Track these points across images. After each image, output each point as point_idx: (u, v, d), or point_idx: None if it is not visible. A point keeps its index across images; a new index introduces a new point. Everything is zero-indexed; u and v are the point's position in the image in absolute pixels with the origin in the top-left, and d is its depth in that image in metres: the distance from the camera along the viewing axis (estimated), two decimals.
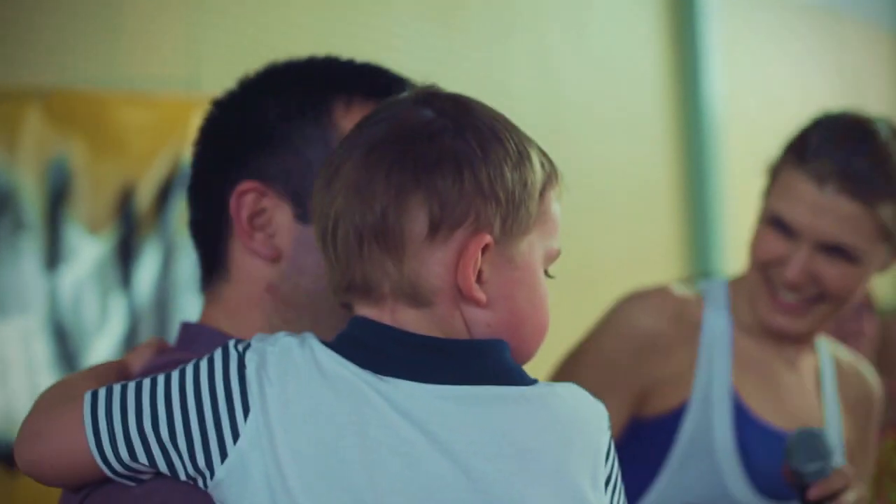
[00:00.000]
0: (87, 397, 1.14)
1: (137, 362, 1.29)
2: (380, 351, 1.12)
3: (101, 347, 3.25)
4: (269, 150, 1.31)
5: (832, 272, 1.82)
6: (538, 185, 1.21)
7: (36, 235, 3.26)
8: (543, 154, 1.25)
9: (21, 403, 3.21)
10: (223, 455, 1.10)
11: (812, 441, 1.66)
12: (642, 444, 1.79)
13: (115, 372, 1.27)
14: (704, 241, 6.53)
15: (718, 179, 6.60)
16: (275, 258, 1.31)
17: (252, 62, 1.44)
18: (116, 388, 1.15)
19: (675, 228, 6.48)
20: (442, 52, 4.92)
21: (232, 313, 1.34)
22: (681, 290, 1.94)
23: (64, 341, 3.29)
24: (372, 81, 1.36)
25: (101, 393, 1.14)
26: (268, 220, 1.31)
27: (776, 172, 1.95)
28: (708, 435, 1.77)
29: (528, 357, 1.19)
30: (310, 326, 1.24)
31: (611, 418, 1.48)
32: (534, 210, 1.19)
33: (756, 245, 1.88)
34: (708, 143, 6.57)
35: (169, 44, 3.70)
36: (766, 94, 7.44)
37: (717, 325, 1.86)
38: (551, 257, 1.22)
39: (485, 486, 1.09)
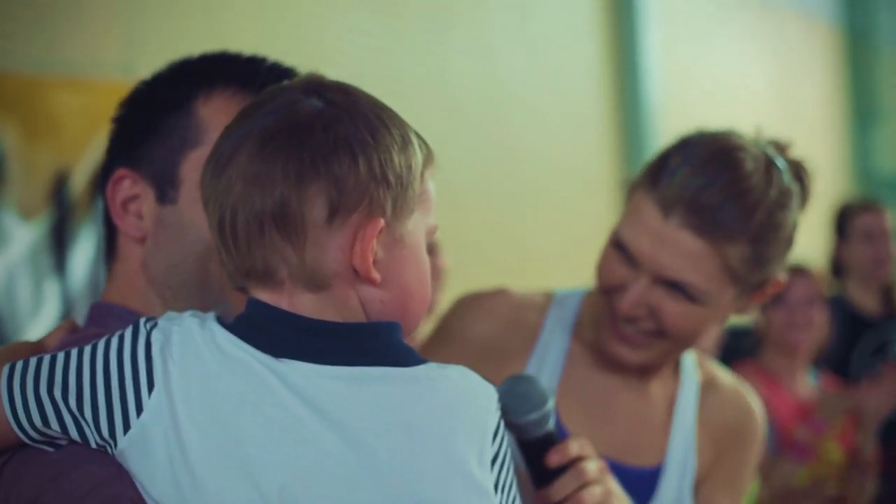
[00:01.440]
0: (5, 370, 1.21)
1: (52, 342, 1.37)
2: (276, 334, 1.17)
3: (35, 332, 3.22)
4: (141, 140, 1.42)
5: (671, 308, 1.62)
6: (419, 167, 1.26)
7: None
8: (419, 136, 1.30)
9: None
10: (126, 426, 1.16)
11: (521, 389, 1.47)
12: None
13: (31, 350, 1.34)
14: None
15: None
16: (142, 238, 1.43)
17: (188, 48, 1.52)
18: (32, 361, 1.22)
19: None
20: (383, 42, 4.91)
21: (122, 291, 1.44)
22: (524, 293, 1.77)
23: None
24: (237, 70, 1.44)
25: (18, 365, 1.21)
26: (139, 204, 1.43)
27: (630, 191, 1.75)
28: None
29: (414, 329, 1.25)
30: (186, 303, 1.36)
31: None
32: (417, 190, 1.24)
33: (600, 267, 1.71)
34: (646, 134, 6.61)
35: (105, 28, 3.67)
36: (704, 84, 7.49)
37: (553, 339, 1.70)
38: (431, 232, 1.27)
39: (374, 462, 1.14)
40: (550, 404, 1.46)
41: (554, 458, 1.45)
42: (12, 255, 3.24)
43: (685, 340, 1.64)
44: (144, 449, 1.15)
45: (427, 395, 1.17)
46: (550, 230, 5.97)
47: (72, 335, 1.38)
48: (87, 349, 1.21)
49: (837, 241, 4.75)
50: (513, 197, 5.66)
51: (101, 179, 1.47)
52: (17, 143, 3.28)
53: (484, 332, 1.69)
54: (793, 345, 4.18)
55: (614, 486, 1.49)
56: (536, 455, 1.47)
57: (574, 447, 1.46)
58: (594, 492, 1.44)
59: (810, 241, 7.37)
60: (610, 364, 1.70)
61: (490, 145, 5.50)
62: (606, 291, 1.69)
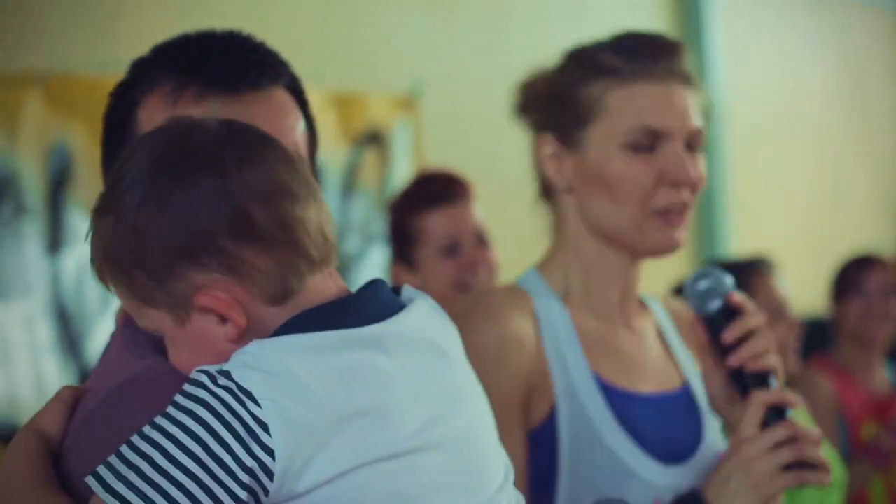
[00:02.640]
0: (95, 481, 1.09)
1: (53, 425, 1.25)
2: (358, 309, 1.19)
3: (104, 330, 3.26)
4: (115, 138, 1.36)
5: (697, 162, 1.73)
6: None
7: (38, 219, 3.27)
8: None
9: (24, 386, 3.23)
10: (268, 474, 1.12)
11: (703, 281, 1.65)
12: (532, 457, 1.64)
13: (40, 447, 1.23)
14: (708, 213, 6.52)
15: (725, 166, 6.61)
16: None
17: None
18: (121, 460, 1.10)
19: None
20: (442, 40, 4.93)
21: None
22: (493, 290, 1.82)
23: (66, 324, 3.31)
24: (176, 61, 1.37)
25: (107, 473, 1.09)
26: None
27: (595, 99, 1.72)
28: (588, 425, 1.63)
29: None
30: None
31: (514, 452, 1.54)
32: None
33: (628, 181, 1.68)
34: (714, 127, 6.57)
35: (166, 29, 3.71)
36: (770, 75, 7.43)
37: (552, 313, 1.69)
38: None
39: (468, 375, 1.26)
40: (727, 279, 1.64)
41: (728, 336, 1.61)
42: (81, 253, 3.28)
43: (697, 197, 1.73)
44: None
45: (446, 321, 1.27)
46: None
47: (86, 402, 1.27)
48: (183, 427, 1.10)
49: None
50: (489, 194, 5.62)
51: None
52: (84, 142, 3.32)
53: (504, 329, 1.66)
54: (869, 338, 4.09)
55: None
56: (721, 324, 1.63)
57: (751, 321, 1.62)
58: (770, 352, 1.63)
59: (881, 232, 7.33)
60: (605, 312, 1.74)
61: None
62: (648, 196, 1.69)
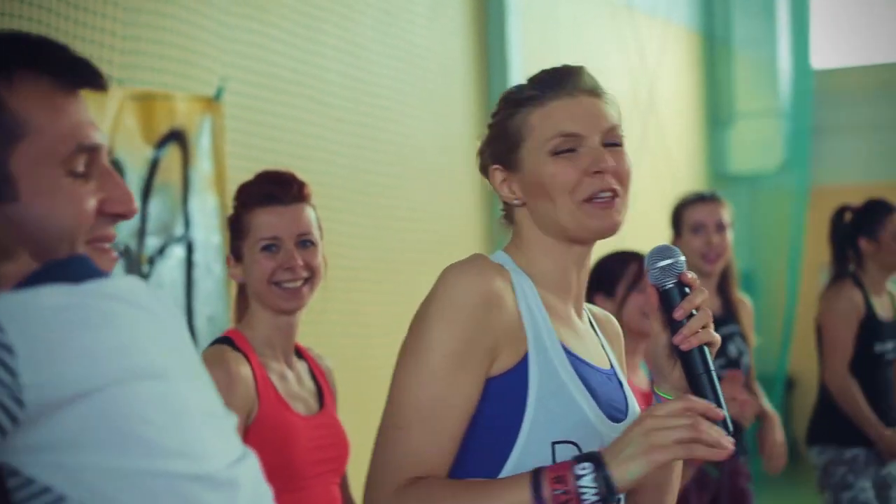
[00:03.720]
0: None
1: None
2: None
3: None
4: None
5: (619, 156, 2.00)
6: None
7: None
8: None
9: None
10: None
11: (660, 251, 1.96)
12: (499, 399, 1.89)
13: None
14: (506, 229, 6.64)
15: None
16: None
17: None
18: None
19: (476, 215, 6.58)
20: (253, 44, 4.93)
21: None
22: (480, 256, 2.02)
23: None
24: (26, 52, 1.40)
25: None
26: None
27: (525, 115, 2.04)
28: (555, 376, 1.91)
29: None
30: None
31: (469, 391, 1.87)
32: None
33: (557, 176, 1.98)
34: None
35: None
36: None
37: (524, 285, 1.96)
38: None
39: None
40: (682, 258, 1.96)
41: (688, 276, 1.93)
42: None
43: (629, 188, 2.01)
44: None
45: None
46: (419, 228, 6.03)
47: None
48: None
49: (674, 236, 4.86)
50: (382, 195, 5.71)
51: None
52: None
53: (487, 284, 1.90)
54: (644, 334, 4.22)
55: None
56: (673, 298, 1.94)
57: (699, 296, 1.94)
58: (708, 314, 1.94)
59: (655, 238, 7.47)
60: (560, 294, 2.02)
61: (359, 145, 5.55)
62: (576, 187, 1.97)
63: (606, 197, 1.97)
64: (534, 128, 2.00)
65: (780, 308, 9.85)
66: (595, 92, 2.03)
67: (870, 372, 5.05)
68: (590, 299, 2.98)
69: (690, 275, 1.95)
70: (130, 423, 1.25)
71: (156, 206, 4.41)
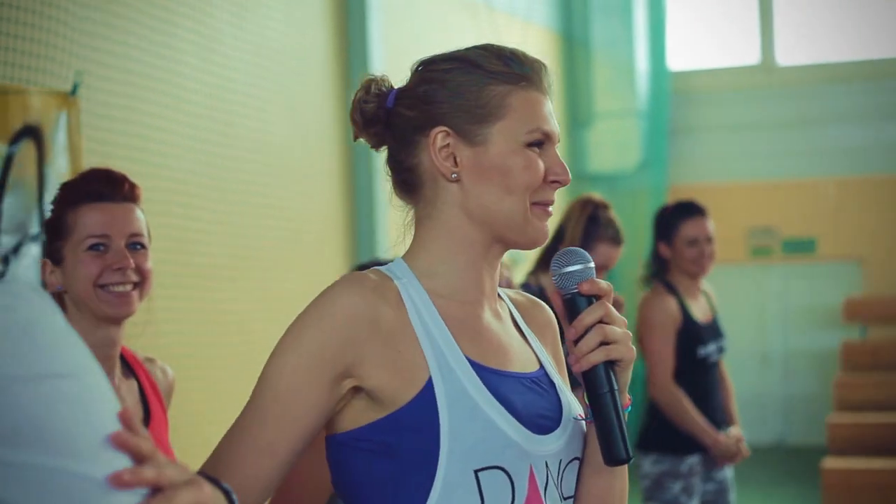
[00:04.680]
0: None
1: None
2: None
3: None
4: None
5: (557, 154, 1.96)
6: None
7: None
8: None
9: None
10: None
11: (567, 254, 1.84)
12: (410, 432, 1.75)
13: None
14: (367, 224, 6.66)
15: (379, 163, 6.74)
16: None
17: None
18: None
19: (336, 212, 6.58)
20: (108, 38, 4.87)
21: None
22: (369, 274, 1.88)
23: None
24: None
25: None
26: None
27: (500, 100, 1.90)
28: (466, 397, 1.76)
29: None
30: None
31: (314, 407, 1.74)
32: None
33: (528, 171, 1.85)
34: None
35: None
36: None
37: (416, 298, 1.83)
38: None
39: None
40: (591, 264, 1.84)
41: (585, 287, 1.81)
42: None
43: None
44: None
45: None
46: (278, 225, 6.01)
47: None
48: None
49: (660, 243, 5.12)
50: (238, 191, 5.67)
51: None
52: None
53: (365, 309, 1.77)
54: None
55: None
56: (575, 305, 1.82)
57: (605, 287, 1.82)
58: (616, 329, 1.80)
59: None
60: (469, 298, 1.89)
61: (215, 140, 5.50)
62: (537, 185, 1.87)
63: (549, 209, 1.88)
64: (513, 109, 1.85)
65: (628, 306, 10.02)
66: (551, 95, 1.93)
67: (696, 377, 5.05)
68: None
69: (603, 284, 1.83)
70: (32, 420, 1.22)
71: (10, 204, 4.34)
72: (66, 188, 2.72)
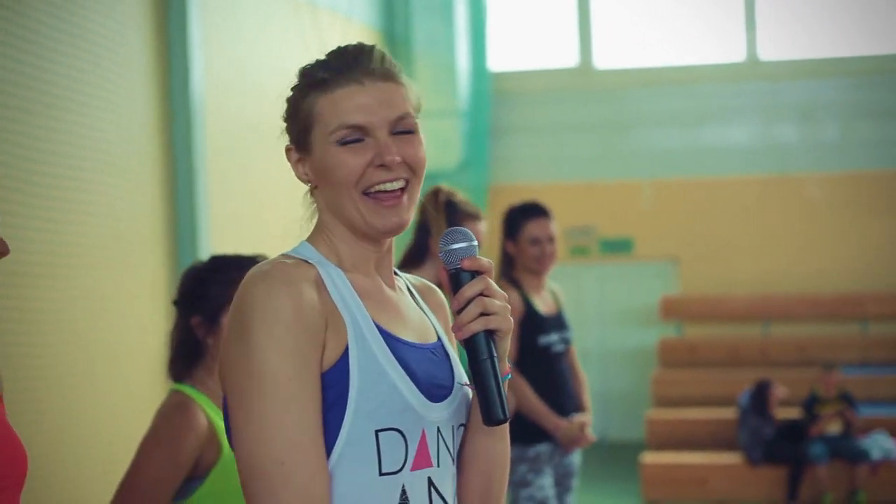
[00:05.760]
0: None
1: None
2: None
3: None
4: None
5: (408, 143, 2.01)
6: None
7: None
8: None
9: None
10: None
11: (452, 233, 1.97)
12: (326, 393, 1.88)
13: None
14: (188, 221, 6.57)
15: (201, 161, 6.66)
16: None
17: None
18: None
19: (158, 210, 6.47)
20: None
21: None
22: (282, 257, 1.99)
23: None
24: None
25: None
26: None
27: (306, 113, 2.03)
28: (375, 364, 1.91)
29: None
30: None
31: (317, 395, 1.86)
32: None
33: (342, 168, 1.98)
34: (192, 128, 6.61)
35: None
36: (249, 79, 7.57)
37: (332, 275, 1.96)
38: None
39: None
40: (475, 242, 1.96)
41: (467, 263, 1.94)
42: None
43: (421, 175, 2.02)
44: None
45: None
46: (97, 222, 5.87)
47: None
48: None
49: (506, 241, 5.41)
50: (57, 189, 5.52)
51: None
52: None
53: (298, 295, 1.88)
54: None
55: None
56: (459, 282, 1.95)
57: (486, 263, 1.95)
58: (495, 301, 1.94)
59: None
60: (372, 273, 2.04)
61: (34, 135, 5.35)
62: (360, 178, 1.97)
63: (393, 189, 1.97)
64: (320, 115, 1.97)
65: None
66: (387, 76, 2.01)
67: (540, 366, 5.21)
68: None
69: (484, 260, 1.96)
70: None
71: None
72: None
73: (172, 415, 3.03)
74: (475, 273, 1.95)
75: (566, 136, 11.89)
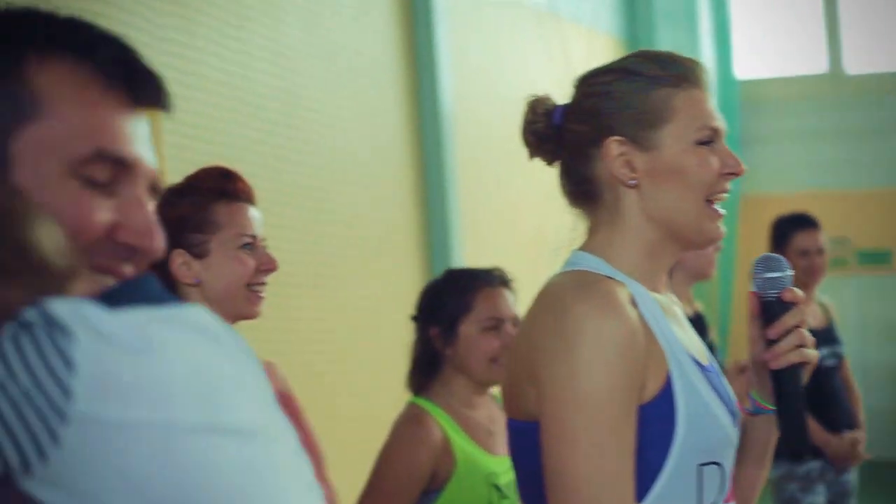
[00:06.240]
0: None
1: None
2: None
3: None
4: None
5: None
6: None
7: None
8: None
9: None
10: None
11: (769, 259, 1.94)
12: (648, 427, 1.79)
13: None
14: (441, 231, 6.58)
15: (452, 171, 6.67)
16: None
17: None
18: None
19: (411, 219, 6.51)
20: (179, 45, 4.80)
21: None
22: (591, 274, 1.89)
23: None
24: (72, 36, 1.23)
25: None
26: None
27: (665, 100, 1.94)
28: (696, 394, 1.83)
29: None
30: None
31: (633, 431, 1.76)
32: None
33: (703, 168, 1.91)
34: (441, 137, 6.63)
35: None
36: (495, 88, 7.56)
37: (640, 293, 1.87)
38: None
39: None
40: (790, 272, 1.94)
41: (788, 295, 1.91)
42: None
43: None
44: None
45: None
46: (346, 233, 5.94)
47: None
48: None
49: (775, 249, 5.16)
50: (309, 200, 5.60)
51: None
52: None
53: (623, 322, 1.79)
54: None
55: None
56: (773, 311, 1.93)
57: (800, 296, 1.92)
58: (808, 334, 1.93)
59: None
60: (660, 288, 1.96)
61: (286, 148, 5.44)
62: (713, 181, 1.91)
63: (720, 210, 1.94)
64: (678, 111, 1.90)
65: (714, 314, 9.86)
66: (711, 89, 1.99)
67: (809, 380, 5.03)
68: None
69: (797, 292, 1.93)
70: (200, 486, 1.02)
71: None
72: (202, 183, 2.64)
73: (406, 429, 3.08)
74: (785, 305, 1.91)
75: (818, 144, 11.54)
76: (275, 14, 5.46)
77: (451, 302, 3.16)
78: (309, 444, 2.75)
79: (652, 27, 10.86)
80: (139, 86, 1.22)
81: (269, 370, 2.88)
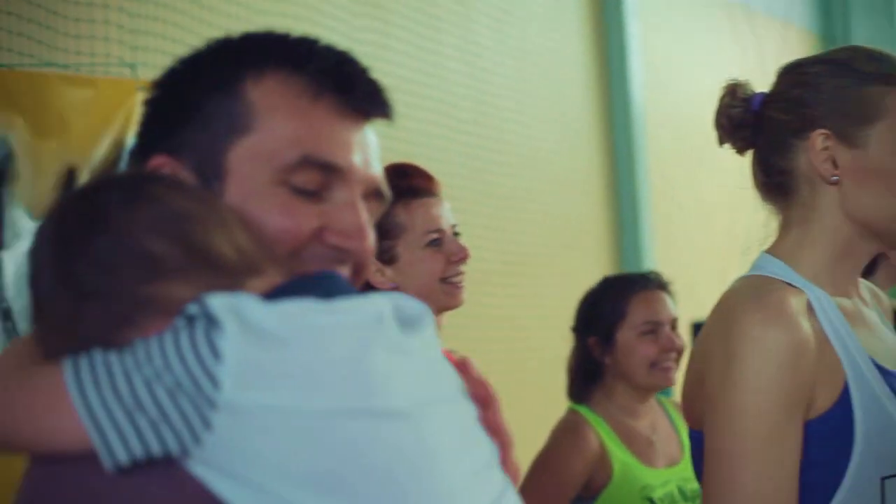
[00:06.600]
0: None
1: None
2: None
3: None
4: (182, 125, 1.26)
5: None
6: None
7: None
8: None
9: None
10: None
11: None
12: (822, 441, 1.73)
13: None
14: (632, 227, 6.57)
15: (643, 168, 6.66)
16: None
17: (186, 50, 1.39)
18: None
19: (602, 216, 6.52)
20: (375, 45, 4.92)
21: None
22: (769, 281, 1.84)
23: (10, 323, 3.23)
24: (288, 50, 1.29)
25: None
26: None
27: (878, 96, 1.86)
28: (878, 404, 1.74)
29: None
30: None
31: (798, 445, 1.69)
32: None
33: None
34: (632, 132, 6.62)
35: (107, 25, 3.66)
36: (686, 82, 7.52)
37: (823, 304, 1.80)
38: None
39: None
40: None
41: None
42: (22, 252, 3.20)
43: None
44: None
45: None
46: (539, 228, 5.97)
47: None
48: None
49: None
50: (502, 195, 5.66)
51: (135, 166, 1.29)
52: (26, 140, 3.25)
53: (796, 332, 1.74)
54: None
55: None
56: None
57: None
58: None
59: None
60: (854, 294, 1.88)
61: (479, 145, 5.51)
62: None
63: None
64: (890, 111, 1.81)
65: None
66: None
67: None
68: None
69: None
70: (345, 466, 1.07)
71: None
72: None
73: (562, 437, 3.06)
74: None
75: None
76: (467, 15, 5.54)
77: (607, 309, 3.13)
78: (497, 430, 2.74)
79: (847, 19, 10.64)
80: (356, 95, 1.25)
81: (463, 365, 2.88)
